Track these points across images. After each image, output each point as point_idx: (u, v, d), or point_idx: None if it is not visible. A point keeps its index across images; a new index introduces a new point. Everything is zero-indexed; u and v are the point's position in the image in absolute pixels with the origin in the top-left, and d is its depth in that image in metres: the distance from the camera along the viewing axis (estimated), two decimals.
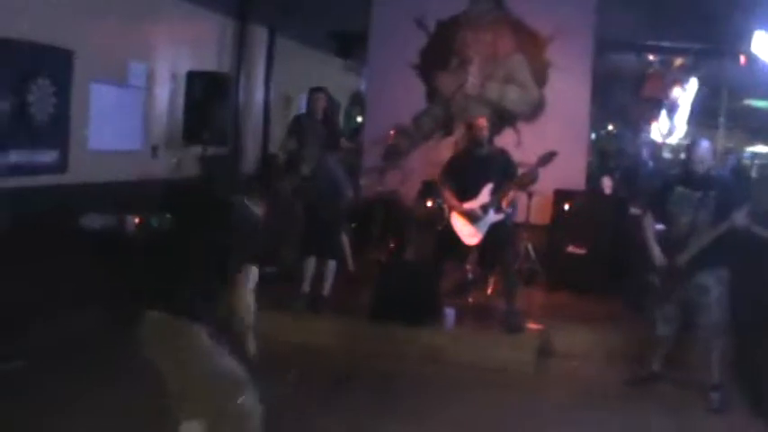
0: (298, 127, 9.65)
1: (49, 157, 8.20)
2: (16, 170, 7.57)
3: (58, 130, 8.27)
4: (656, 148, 15.41)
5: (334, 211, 8.49)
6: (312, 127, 9.46)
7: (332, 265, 8.56)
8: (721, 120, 15.24)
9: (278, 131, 13.21)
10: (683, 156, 15.80)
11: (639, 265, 7.71)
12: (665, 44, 12.63)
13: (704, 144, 6.95)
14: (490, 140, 8.59)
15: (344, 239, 9.12)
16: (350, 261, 9.37)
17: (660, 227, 7.14)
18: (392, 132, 11.23)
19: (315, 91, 9.83)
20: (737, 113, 16.49)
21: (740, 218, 6.48)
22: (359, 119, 15.94)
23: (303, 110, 10.85)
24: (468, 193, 8.28)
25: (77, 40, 8.42)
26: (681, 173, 7.21)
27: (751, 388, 7.08)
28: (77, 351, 7.35)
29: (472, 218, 8.20)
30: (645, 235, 7.10)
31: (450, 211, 8.51)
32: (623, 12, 10.97)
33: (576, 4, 11.20)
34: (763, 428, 6.46)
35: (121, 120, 9.43)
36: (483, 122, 8.49)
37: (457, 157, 8.93)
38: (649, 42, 12.67)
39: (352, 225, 9.84)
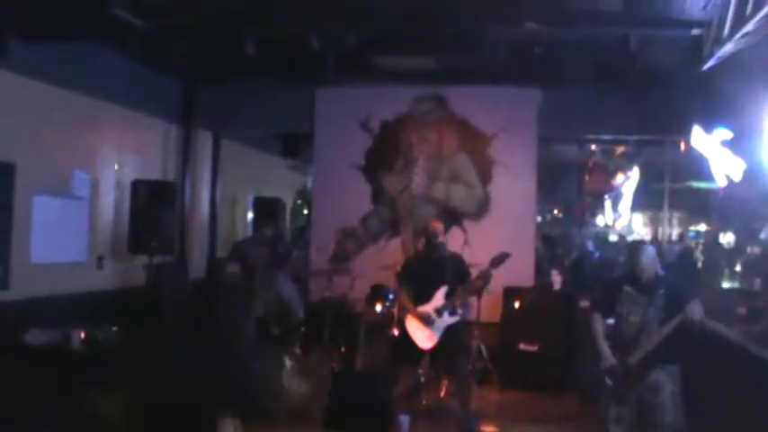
0: (240, 254, 9.67)
1: None
2: None
3: None
4: (602, 235, 15.53)
5: (285, 330, 8.40)
6: (256, 253, 9.48)
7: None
8: (665, 202, 15.47)
9: (225, 234, 13.17)
10: (629, 238, 16.08)
11: (592, 363, 7.70)
12: (606, 137, 12.81)
13: (649, 252, 6.97)
14: (444, 243, 8.63)
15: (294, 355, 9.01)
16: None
17: (610, 321, 7.13)
18: (331, 243, 11.19)
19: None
20: (680, 195, 16.73)
21: (695, 310, 6.49)
22: (305, 211, 15.96)
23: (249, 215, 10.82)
24: (423, 296, 8.28)
25: (19, 152, 8.35)
26: (628, 273, 7.23)
27: None
28: None
29: (427, 321, 8.17)
30: (594, 335, 7.08)
31: (404, 315, 8.47)
32: (564, 107, 11.18)
33: (518, 102, 11.41)
34: None
35: (65, 231, 9.32)
36: (438, 226, 8.57)
37: (412, 260, 8.97)
38: (591, 135, 12.85)
39: (302, 329, 9.72)
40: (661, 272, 6.97)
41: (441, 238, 8.50)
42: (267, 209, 12.29)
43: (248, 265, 9.31)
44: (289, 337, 8.32)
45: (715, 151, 8.56)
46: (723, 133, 8.42)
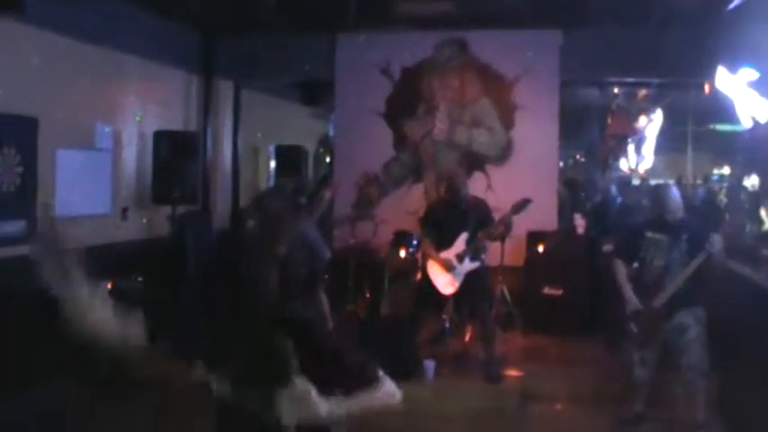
0: (260, 207, 9.62)
1: (16, 227, 8.10)
2: None
3: (24, 200, 8.19)
4: (625, 180, 15.45)
5: (311, 274, 8.39)
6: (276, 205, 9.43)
7: None
8: (689, 146, 15.37)
9: (248, 183, 13.20)
10: (652, 182, 15.99)
11: (616, 307, 7.71)
12: (629, 79, 12.70)
13: (674, 193, 6.94)
14: (466, 189, 8.61)
15: (323, 298, 9.03)
16: (329, 320, 9.28)
17: (634, 265, 7.12)
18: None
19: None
20: (703, 138, 16.62)
21: (715, 245, 6.49)
22: (327, 159, 15.94)
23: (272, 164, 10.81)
24: (444, 242, 8.30)
25: (41, 107, 8.38)
26: (651, 218, 7.19)
27: (734, 426, 7.05)
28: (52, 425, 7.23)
29: (448, 267, 8.20)
30: (618, 281, 7.07)
31: (425, 261, 8.49)
32: (587, 50, 11.07)
33: (540, 45, 11.30)
34: None
35: (89, 184, 9.36)
36: (460, 171, 8.56)
37: (434, 206, 8.97)
38: (614, 78, 12.75)
39: (326, 277, 9.75)
40: (684, 216, 6.95)
41: (462, 184, 8.49)
42: (289, 157, 12.29)
43: (268, 217, 9.30)
44: (314, 279, 8.32)
45: (740, 92, 8.45)
46: (749, 73, 8.30)
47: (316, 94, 14.15)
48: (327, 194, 9.29)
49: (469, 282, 8.24)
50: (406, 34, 11.64)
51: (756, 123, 8.13)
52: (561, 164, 15.27)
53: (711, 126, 16.20)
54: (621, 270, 7.08)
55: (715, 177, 21.45)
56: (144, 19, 10.27)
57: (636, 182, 16.14)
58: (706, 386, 6.90)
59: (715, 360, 6.93)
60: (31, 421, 7.23)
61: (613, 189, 11.31)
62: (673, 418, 7.24)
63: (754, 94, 8.07)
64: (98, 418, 7.52)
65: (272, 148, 13.95)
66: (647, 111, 15.14)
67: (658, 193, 7.13)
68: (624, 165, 16.19)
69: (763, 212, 10.23)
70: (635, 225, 7.53)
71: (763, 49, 7.72)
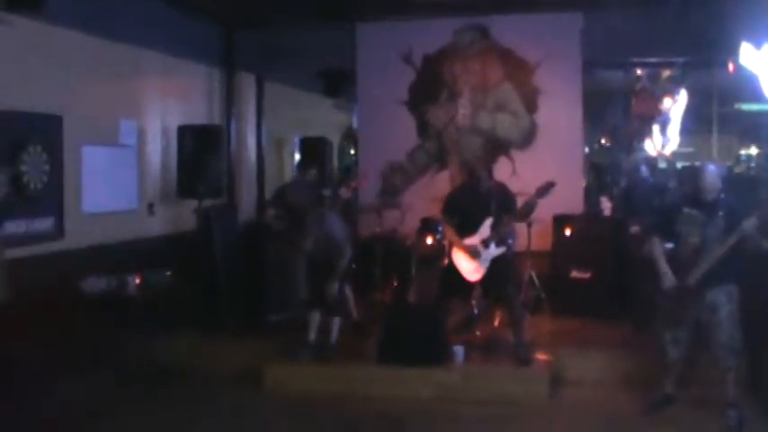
0: (283, 198, 9.68)
1: (45, 225, 8.17)
2: (12, 241, 7.50)
3: (52, 197, 8.26)
4: (651, 162, 15.38)
5: (335, 269, 8.40)
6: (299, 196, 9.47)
7: (336, 319, 8.50)
8: (714, 127, 15.28)
9: (272, 176, 13.24)
10: (678, 165, 15.92)
11: (645, 287, 7.67)
12: (653, 59, 12.62)
13: (712, 171, 6.91)
14: (489, 174, 8.58)
15: (348, 292, 9.05)
16: (354, 312, 9.30)
17: (668, 245, 7.09)
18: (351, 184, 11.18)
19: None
20: (729, 118, 16.53)
21: (750, 225, 6.45)
22: (352, 152, 15.95)
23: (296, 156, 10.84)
24: (468, 228, 8.27)
25: (65, 104, 8.45)
26: (688, 194, 7.15)
27: (766, 404, 7.02)
28: (86, 417, 7.31)
29: (473, 253, 8.18)
30: (655, 257, 7.03)
31: (451, 248, 8.48)
32: (608, 31, 10.99)
33: (561, 28, 11.24)
34: None
35: (115, 180, 9.42)
36: (479, 156, 8.53)
37: (457, 192, 8.94)
38: (636, 58, 12.68)
39: (353, 267, 9.75)
40: (722, 195, 6.91)
41: (483, 169, 8.48)
42: (313, 149, 12.31)
43: (291, 209, 9.34)
44: (334, 273, 8.34)
45: (765, 67, 8.39)
46: None
47: (338, 85, 14.13)
48: (346, 191, 9.28)
49: (496, 267, 8.20)
50: (427, 21, 11.60)
51: None
52: (587, 149, 15.23)
53: (737, 106, 16.12)
54: (657, 245, 7.05)
55: (742, 158, 21.34)
56: (165, 15, 10.31)
57: (662, 165, 16.06)
58: (738, 365, 6.87)
59: (747, 339, 6.91)
60: (65, 415, 7.33)
61: (644, 170, 11.25)
62: (703, 399, 7.23)
63: None
64: (129, 411, 7.62)
65: (296, 141, 13.98)
66: (671, 92, 15.03)
67: (695, 172, 7.10)
68: (650, 146, 16.08)
69: None
70: (671, 202, 7.50)
71: None
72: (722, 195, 6.86)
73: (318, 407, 7.61)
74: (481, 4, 11.00)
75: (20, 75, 7.80)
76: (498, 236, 8.17)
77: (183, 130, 10.13)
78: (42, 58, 8.16)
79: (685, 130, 15.69)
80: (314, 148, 12.25)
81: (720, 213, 6.68)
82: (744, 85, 10.09)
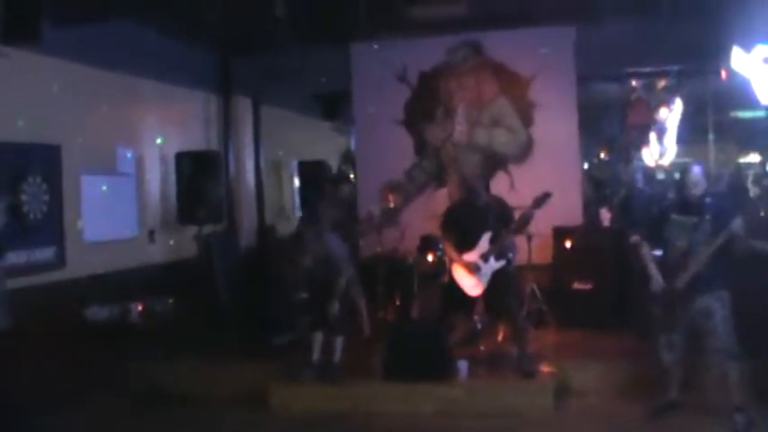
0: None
1: (46, 254, 8.21)
2: (14, 271, 7.53)
3: (52, 227, 8.31)
4: (650, 172, 15.42)
5: (335, 288, 8.41)
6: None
7: (339, 338, 8.50)
8: (710, 135, 15.31)
9: (272, 200, 13.28)
10: (677, 176, 15.93)
11: (642, 295, 7.68)
12: (646, 69, 12.67)
13: (696, 169, 6.96)
14: (486, 189, 8.60)
15: (362, 306, 9.08)
16: (366, 327, 9.30)
17: (657, 253, 7.13)
18: (389, 196, 11.22)
19: None
20: (726, 126, 16.55)
21: (737, 226, 6.48)
22: (351, 175, 15.98)
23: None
24: (467, 243, 8.27)
25: (64, 134, 8.54)
26: (676, 200, 7.21)
27: None
28: None
29: (473, 268, 8.19)
30: (644, 262, 7.08)
31: (451, 264, 8.49)
32: (601, 43, 11.05)
33: (554, 41, 11.31)
34: None
35: (115, 208, 9.48)
36: (477, 172, 8.54)
37: (454, 208, 8.94)
38: (630, 69, 12.72)
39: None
40: (708, 198, 6.94)
41: (479, 184, 8.50)
42: (312, 173, 12.38)
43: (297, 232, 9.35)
44: (334, 292, 8.37)
45: (757, 70, 8.44)
46: (764, 50, 8.30)
47: (335, 107, 14.20)
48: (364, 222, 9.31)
49: (496, 281, 8.19)
50: (420, 39, 11.68)
51: None
52: (586, 164, 15.25)
53: (732, 114, 16.15)
54: (646, 250, 7.10)
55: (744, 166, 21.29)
56: (160, 44, 10.39)
57: (661, 176, 16.09)
58: (739, 369, 6.86)
59: (749, 343, 6.91)
60: None
61: (640, 179, 11.28)
62: (707, 404, 7.22)
63: None
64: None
65: (294, 164, 14.02)
66: (666, 101, 15.08)
67: (681, 173, 7.16)
68: (647, 156, 16.12)
69: None
70: (660, 209, 7.53)
71: None
72: (708, 199, 6.89)
73: (323, 426, 7.61)
74: (473, 20, 11.05)
75: (18, 106, 7.90)
76: (497, 250, 8.17)
77: (181, 157, 10.19)
78: (40, 89, 8.25)
79: (681, 140, 15.73)
80: (312, 172, 12.31)
81: (707, 217, 6.71)
82: (738, 92, 10.14)
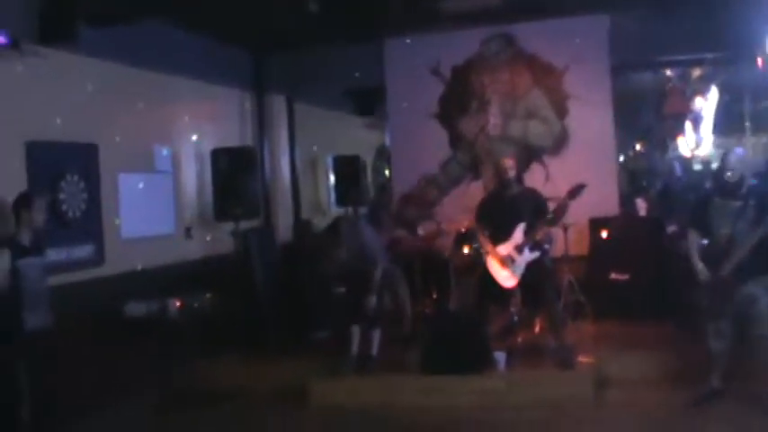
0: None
1: (85, 251, 8.30)
2: (54, 268, 7.60)
3: (91, 224, 8.39)
4: (687, 161, 15.31)
5: (370, 281, 8.43)
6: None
7: (377, 332, 8.53)
8: (747, 124, 15.14)
9: (308, 195, 13.32)
10: (714, 166, 15.78)
11: (685, 284, 7.63)
12: (681, 57, 12.55)
13: (737, 151, 6.96)
14: (519, 180, 8.58)
15: (407, 300, 9.10)
16: (408, 320, 9.32)
17: (702, 242, 7.09)
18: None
19: None
20: (762, 115, 16.35)
21: None
22: (386, 172, 15.98)
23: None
24: (501, 234, 8.27)
25: (101, 133, 8.61)
26: (717, 184, 7.16)
27: None
28: None
29: (506, 260, 8.18)
30: (689, 252, 7.05)
31: (486, 256, 8.48)
32: (635, 32, 10.97)
33: (587, 31, 11.24)
34: None
35: (152, 205, 9.54)
36: (509, 163, 8.50)
37: (487, 200, 8.93)
38: (665, 58, 12.62)
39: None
40: (751, 181, 6.90)
41: (512, 174, 8.46)
42: (347, 168, 12.41)
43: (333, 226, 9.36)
44: (370, 285, 8.39)
45: None
46: None
47: (369, 103, 14.16)
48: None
49: (532, 272, 8.18)
50: (453, 32, 11.64)
51: None
52: (622, 157, 15.15)
53: None
54: (693, 240, 7.10)
55: None
56: (194, 43, 10.45)
57: (698, 166, 15.96)
58: None
59: None
60: None
61: (678, 169, 11.20)
62: (751, 392, 7.16)
63: None
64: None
65: (329, 160, 14.04)
66: (701, 90, 14.96)
67: (722, 156, 7.12)
68: (683, 146, 15.99)
69: None
70: (701, 194, 7.50)
71: None
72: (752, 183, 6.85)
73: (363, 420, 7.64)
74: (506, 11, 11.00)
75: (55, 105, 7.96)
76: (532, 241, 8.16)
77: (217, 153, 10.22)
78: (77, 88, 8.32)
79: (717, 130, 15.59)
80: (347, 167, 12.35)
81: (751, 203, 6.66)
82: None
